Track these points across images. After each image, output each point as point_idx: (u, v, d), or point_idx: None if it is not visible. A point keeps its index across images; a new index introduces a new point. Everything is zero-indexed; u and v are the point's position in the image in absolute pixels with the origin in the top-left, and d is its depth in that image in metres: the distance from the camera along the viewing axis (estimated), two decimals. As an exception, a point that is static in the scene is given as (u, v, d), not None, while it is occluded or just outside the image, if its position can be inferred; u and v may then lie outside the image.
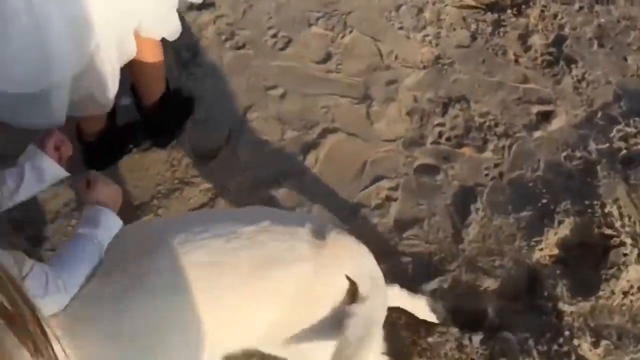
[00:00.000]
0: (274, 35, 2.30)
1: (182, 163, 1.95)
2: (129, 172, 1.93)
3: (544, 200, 2.01)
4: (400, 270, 1.82)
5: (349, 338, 1.17)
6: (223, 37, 2.26)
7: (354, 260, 1.26)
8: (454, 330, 1.70)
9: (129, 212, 1.82)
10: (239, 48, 2.25)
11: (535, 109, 2.24)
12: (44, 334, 0.89)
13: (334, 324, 1.20)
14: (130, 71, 1.71)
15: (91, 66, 1.43)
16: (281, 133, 2.07)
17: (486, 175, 2.06)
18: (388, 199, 1.97)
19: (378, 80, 2.24)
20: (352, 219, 1.90)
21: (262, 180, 1.96)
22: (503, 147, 2.12)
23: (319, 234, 1.22)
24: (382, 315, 1.28)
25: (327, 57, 2.28)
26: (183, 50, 2.19)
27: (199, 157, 1.98)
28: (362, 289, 1.23)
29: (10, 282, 0.88)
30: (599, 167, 2.02)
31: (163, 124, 1.94)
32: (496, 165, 2.08)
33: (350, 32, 2.36)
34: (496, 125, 2.18)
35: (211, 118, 2.06)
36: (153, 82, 1.77)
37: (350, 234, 1.31)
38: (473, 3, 2.53)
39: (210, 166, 1.96)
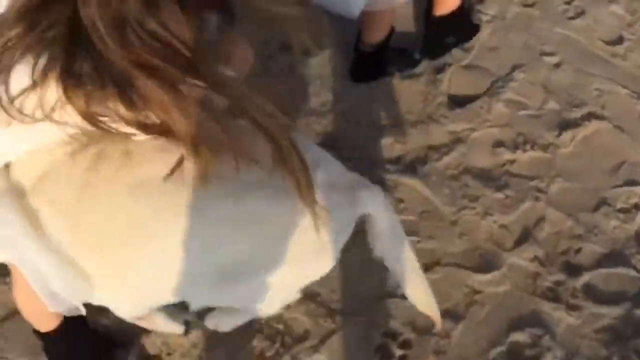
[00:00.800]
0: (568, 2, 2.15)
1: (435, 100, 1.95)
2: (383, 94, 1.98)
3: None
4: (624, 281, 1.67)
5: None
6: (513, -9, 2.18)
7: None
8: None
9: (374, 129, 1.90)
10: (526, 6, 2.15)
11: None
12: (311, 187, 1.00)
13: None
14: None
15: None
16: (542, 102, 1.96)
17: None
18: (637, 207, 1.78)
19: (670, 81, 2.00)
20: (590, 211, 1.77)
21: (506, 141, 1.89)
22: None
23: None
24: None
25: (618, 40, 2.08)
26: (470, -6, 2.16)
27: (453, 99, 1.96)
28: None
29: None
30: None
31: (444, 36, 1.97)
32: None
33: (655, 21, 2.12)
34: None
35: (477, 66, 2.02)
36: None
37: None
38: None
39: (461, 111, 1.93)
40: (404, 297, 1.61)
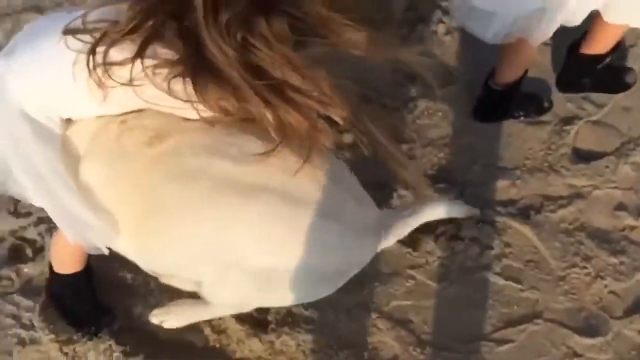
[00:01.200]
0: None
1: (558, 150, 1.90)
2: (505, 135, 1.96)
3: None
4: None
5: None
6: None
7: None
8: None
9: (490, 169, 1.88)
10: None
11: None
12: None
13: None
14: (593, 22, 1.73)
15: None
16: (673, 174, 1.87)
17: None
18: None
19: None
20: None
21: (629, 205, 1.82)
22: None
23: None
24: None
25: None
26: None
27: (577, 153, 1.91)
28: None
29: None
30: None
31: (582, 75, 1.92)
32: None
33: None
34: None
35: (608, 124, 1.95)
36: (606, 41, 1.78)
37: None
38: None
39: (585, 167, 1.87)
40: (499, 342, 1.60)
